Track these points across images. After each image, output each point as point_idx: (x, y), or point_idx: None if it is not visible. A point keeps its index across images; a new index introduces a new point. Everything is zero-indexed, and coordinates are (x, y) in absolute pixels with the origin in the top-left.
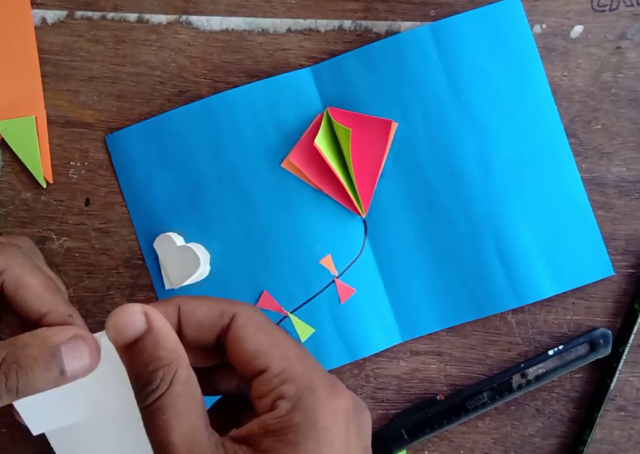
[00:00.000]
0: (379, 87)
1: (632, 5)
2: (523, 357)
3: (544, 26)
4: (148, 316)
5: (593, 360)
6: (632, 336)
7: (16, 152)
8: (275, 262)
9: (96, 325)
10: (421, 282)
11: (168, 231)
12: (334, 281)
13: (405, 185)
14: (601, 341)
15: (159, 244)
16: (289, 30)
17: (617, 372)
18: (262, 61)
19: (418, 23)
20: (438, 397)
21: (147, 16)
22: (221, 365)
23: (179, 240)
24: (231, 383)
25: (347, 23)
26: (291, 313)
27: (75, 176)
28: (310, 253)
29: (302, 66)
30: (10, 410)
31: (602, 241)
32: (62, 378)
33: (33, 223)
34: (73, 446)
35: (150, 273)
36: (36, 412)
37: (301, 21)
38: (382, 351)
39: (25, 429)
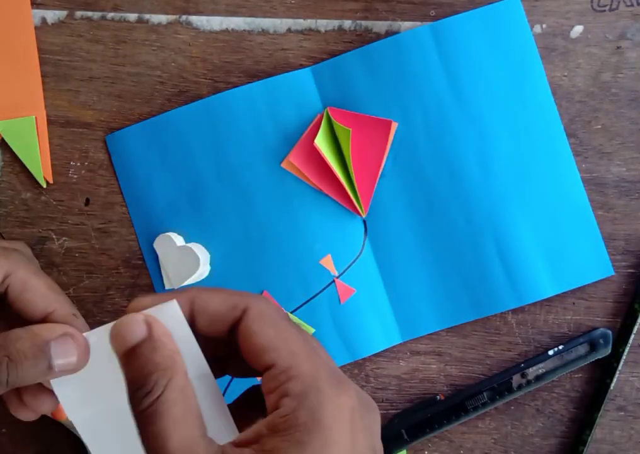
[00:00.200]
0: (379, 87)
1: (632, 5)
2: (523, 357)
3: (544, 26)
4: (150, 324)
5: (593, 360)
6: (632, 336)
7: (16, 152)
8: (275, 262)
9: (96, 324)
10: (421, 282)
11: (168, 231)
12: (334, 281)
13: (405, 185)
14: (601, 341)
15: (159, 244)
16: (289, 30)
17: (617, 372)
18: (262, 61)
19: (418, 23)
20: (438, 397)
21: (147, 16)
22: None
23: (179, 240)
24: (246, 370)
25: (347, 23)
26: (291, 313)
27: (75, 176)
28: (310, 253)
29: (302, 66)
30: (7, 410)
31: (602, 241)
32: (50, 372)
33: (33, 223)
34: (101, 433)
35: (150, 273)
36: (72, 395)
37: (301, 21)
38: (382, 351)
39: (25, 429)
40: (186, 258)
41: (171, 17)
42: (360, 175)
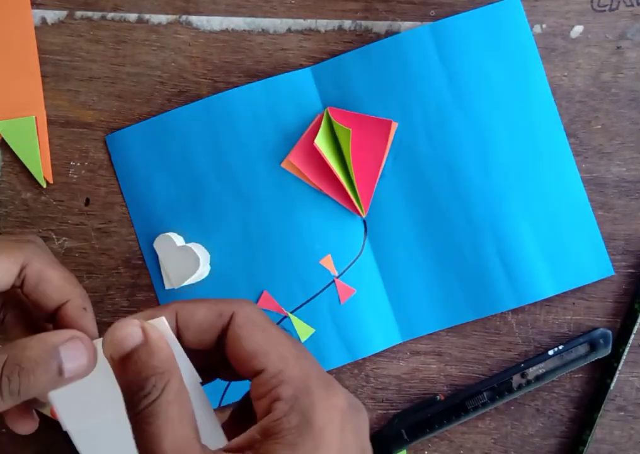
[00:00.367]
0: (379, 87)
1: (632, 5)
2: (523, 357)
3: (544, 26)
4: (145, 329)
5: (593, 360)
6: (632, 336)
7: (16, 152)
8: (275, 262)
9: (97, 325)
10: (421, 282)
11: (168, 231)
12: (334, 281)
13: (405, 185)
14: (601, 341)
15: (159, 244)
16: (289, 30)
17: (617, 372)
18: (262, 61)
19: (418, 23)
20: (438, 397)
21: (147, 16)
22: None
23: (179, 240)
24: (235, 376)
25: (347, 23)
26: (291, 313)
27: (75, 176)
28: (310, 253)
29: (302, 66)
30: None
31: (602, 241)
32: (61, 378)
33: (33, 223)
34: (97, 445)
35: (150, 273)
36: (69, 405)
37: (301, 21)
38: (382, 351)
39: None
40: (186, 258)
41: (171, 17)
42: (360, 175)
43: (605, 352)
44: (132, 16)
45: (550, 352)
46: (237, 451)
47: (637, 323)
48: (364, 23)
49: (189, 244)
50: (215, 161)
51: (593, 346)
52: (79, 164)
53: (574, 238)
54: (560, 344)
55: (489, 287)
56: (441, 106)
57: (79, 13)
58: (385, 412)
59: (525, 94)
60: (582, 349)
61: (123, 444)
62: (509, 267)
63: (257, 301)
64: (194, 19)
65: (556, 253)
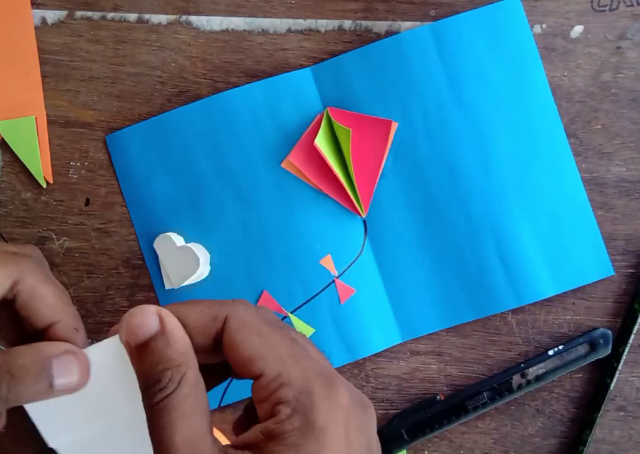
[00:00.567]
0: (379, 87)
1: (632, 5)
2: (523, 357)
3: (544, 26)
4: (162, 317)
5: (593, 360)
6: (632, 336)
7: (16, 152)
8: (275, 262)
9: (96, 325)
10: (421, 282)
11: (168, 231)
12: (334, 281)
13: (405, 185)
14: (601, 341)
15: (159, 244)
16: (289, 30)
17: (617, 372)
18: (262, 61)
19: (418, 23)
20: (438, 397)
21: (147, 16)
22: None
23: (179, 240)
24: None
25: (347, 23)
26: (291, 313)
27: (75, 176)
28: (310, 253)
29: (302, 66)
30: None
31: (602, 241)
32: (50, 391)
33: (33, 223)
34: None
35: (150, 273)
36: (50, 420)
37: (301, 21)
38: (382, 351)
39: (25, 429)
40: (186, 258)
41: (171, 17)
42: (360, 175)
43: (605, 352)
44: (132, 16)
45: (550, 352)
46: (243, 448)
47: (637, 323)
48: (364, 23)
49: (189, 244)
50: (215, 161)
51: (593, 346)
52: (79, 164)
53: (574, 238)
54: (560, 344)
55: (489, 287)
56: (441, 106)
57: (79, 13)
58: (385, 412)
59: (525, 95)
60: (582, 349)
61: None
62: (509, 267)
63: (257, 301)
64: (194, 19)
65: (556, 253)
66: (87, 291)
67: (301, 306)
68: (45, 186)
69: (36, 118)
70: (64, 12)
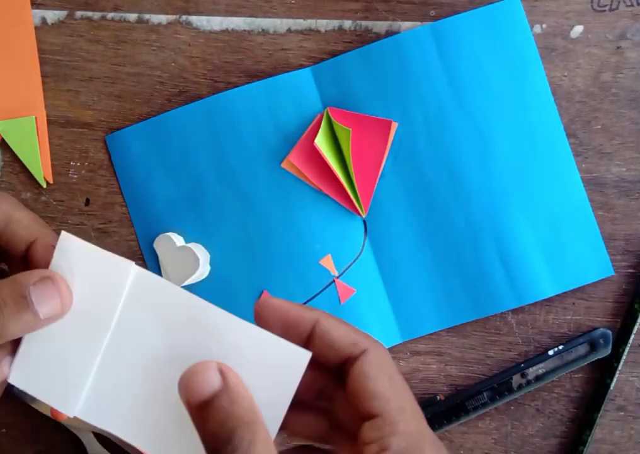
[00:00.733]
0: (379, 87)
1: (632, 5)
2: (523, 357)
3: (544, 26)
4: (224, 373)
5: (593, 360)
6: (632, 336)
7: (16, 152)
8: (275, 262)
9: None
10: (421, 282)
11: (168, 231)
12: (334, 281)
13: (405, 185)
14: (601, 341)
15: (159, 244)
16: (289, 30)
17: (617, 372)
18: (262, 61)
19: (418, 23)
20: (438, 397)
21: (147, 16)
22: (315, 409)
23: (179, 240)
24: (318, 428)
25: (347, 23)
26: None
27: (75, 176)
28: (310, 253)
29: (302, 66)
30: (7, 410)
31: (602, 241)
32: (36, 320)
33: None
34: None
35: None
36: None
37: (301, 21)
38: None
39: (25, 429)
40: (186, 258)
41: (171, 17)
42: (360, 175)
43: (605, 352)
44: (132, 16)
45: (550, 352)
46: None
47: (637, 323)
48: (364, 23)
49: (189, 245)
50: (215, 161)
51: (593, 346)
52: (79, 164)
53: (574, 238)
54: (560, 344)
55: (489, 287)
56: (441, 106)
57: (79, 13)
58: None
59: (525, 94)
60: (582, 349)
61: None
62: (509, 267)
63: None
64: (194, 19)
65: (556, 253)
66: None
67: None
68: (45, 186)
69: (36, 118)
70: (64, 12)
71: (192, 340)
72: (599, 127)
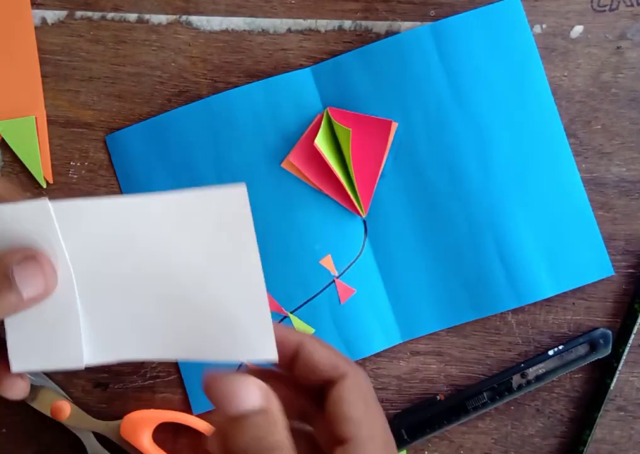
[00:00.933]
0: (379, 87)
1: (632, 5)
2: (523, 357)
3: (544, 26)
4: (268, 395)
5: (593, 360)
6: (632, 336)
7: (16, 152)
8: (275, 262)
9: None
10: (421, 282)
11: None
12: (334, 281)
13: (405, 185)
14: (601, 341)
15: None
16: (289, 30)
17: (617, 372)
18: (262, 61)
19: (418, 23)
20: (438, 397)
21: (147, 16)
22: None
23: None
24: (300, 451)
25: (347, 23)
26: (291, 313)
27: (75, 176)
28: (310, 253)
29: (302, 66)
30: (7, 410)
31: (602, 241)
32: (20, 302)
33: None
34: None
35: None
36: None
37: (301, 21)
38: (382, 351)
39: (25, 429)
40: None
41: (171, 17)
42: (360, 175)
43: (605, 352)
44: (132, 16)
45: (550, 352)
46: None
47: (637, 323)
48: (364, 23)
49: None
50: (215, 161)
51: (593, 346)
52: (79, 164)
53: (574, 238)
54: (560, 344)
55: (489, 287)
56: (441, 106)
57: (79, 13)
58: (385, 412)
59: (525, 94)
60: (582, 349)
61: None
62: (509, 267)
63: None
64: (194, 19)
65: (556, 253)
66: None
67: (301, 306)
68: (45, 186)
69: (36, 118)
70: (64, 12)
71: (142, 238)
72: (599, 127)
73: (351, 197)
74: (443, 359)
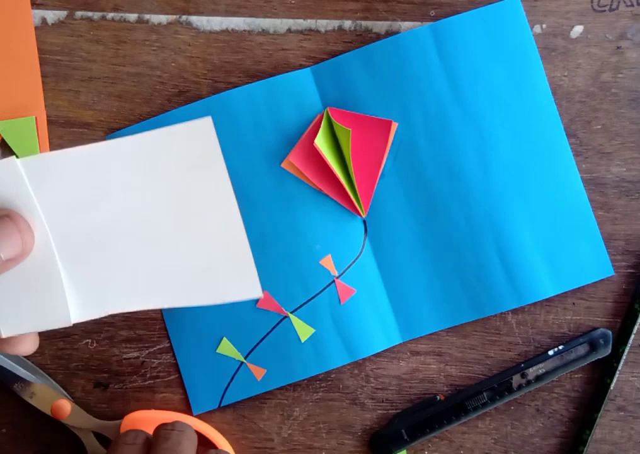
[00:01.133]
0: (379, 87)
1: (632, 5)
2: (523, 357)
3: (544, 26)
4: None
5: (593, 360)
6: (632, 336)
7: (16, 152)
8: (275, 262)
9: (96, 324)
10: (421, 282)
11: None
12: (334, 281)
13: (405, 185)
14: (601, 341)
15: None
16: (289, 30)
17: (617, 372)
18: (262, 61)
19: (418, 23)
20: (438, 397)
21: (147, 16)
22: None
23: None
24: None
25: (347, 23)
26: (291, 313)
27: None
28: (310, 253)
29: (302, 66)
30: (7, 410)
31: (602, 241)
32: None
33: None
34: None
35: None
36: None
37: (301, 21)
38: (382, 351)
39: (25, 429)
40: None
41: (171, 18)
42: (360, 175)
43: (605, 352)
44: (132, 16)
45: (550, 352)
46: None
47: (637, 323)
48: (364, 23)
49: None
50: None
51: (593, 346)
52: None
53: (574, 238)
54: (560, 344)
55: (489, 287)
56: (441, 106)
57: (79, 13)
58: (385, 412)
59: (525, 94)
60: (582, 349)
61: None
62: (509, 267)
63: (257, 301)
64: (194, 19)
65: (556, 253)
66: None
67: (301, 306)
68: None
69: (36, 118)
70: (64, 12)
71: (114, 184)
72: (599, 127)
73: (351, 197)
74: (443, 359)
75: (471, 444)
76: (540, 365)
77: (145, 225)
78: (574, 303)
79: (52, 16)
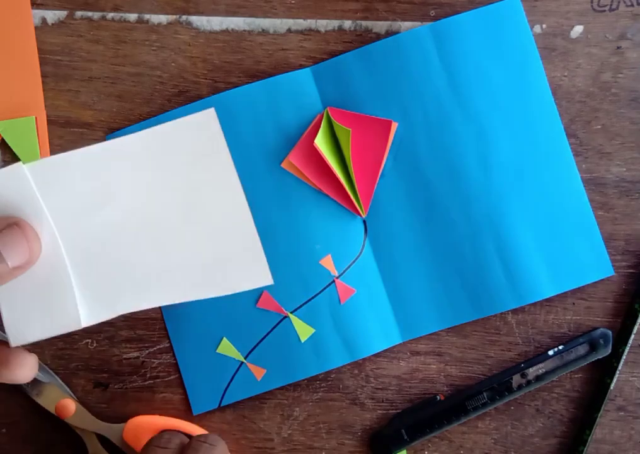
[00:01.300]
0: (379, 87)
1: (632, 5)
2: (523, 357)
3: (544, 26)
4: None
5: (593, 360)
6: (632, 336)
7: (16, 152)
8: (275, 262)
9: (96, 325)
10: (421, 282)
11: None
12: (334, 281)
13: (405, 185)
14: (601, 341)
15: None
16: (289, 30)
17: (617, 372)
18: (262, 61)
19: (418, 23)
20: (438, 397)
21: (147, 16)
22: None
23: None
24: None
25: (347, 23)
26: (291, 313)
27: None
28: (310, 253)
29: (302, 66)
30: (7, 410)
31: (602, 241)
32: (5, 271)
33: None
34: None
35: None
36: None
37: (301, 21)
38: (382, 351)
39: (25, 429)
40: None
41: (171, 17)
42: (360, 175)
43: (605, 352)
44: (132, 16)
45: (550, 352)
46: None
47: (637, 323)
48: (364, 23)
49: None
50: None
51: (593, 346)
52: None
53: (574, 238)
54: (560, 344)
55: (489, 287)
56: (441, 106)
57: (79, 13)
58: (385, 412)
59: (525, 94)
60: (582, 349)
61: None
62: (509, 267)
63: (257, 301)
64: (194, 19)
65: (556, 253)
66: None
67: (301, 306)
68: None
69: (36, 118)
70: (64, 12)
71: (120, 183)
72: (599, 127)
73: (351, 197)
74: (443, 359)
75: (471, 444)
76: (540, 365)
77: (153, 222)
78: (574, 303)
79: (52, 16)
